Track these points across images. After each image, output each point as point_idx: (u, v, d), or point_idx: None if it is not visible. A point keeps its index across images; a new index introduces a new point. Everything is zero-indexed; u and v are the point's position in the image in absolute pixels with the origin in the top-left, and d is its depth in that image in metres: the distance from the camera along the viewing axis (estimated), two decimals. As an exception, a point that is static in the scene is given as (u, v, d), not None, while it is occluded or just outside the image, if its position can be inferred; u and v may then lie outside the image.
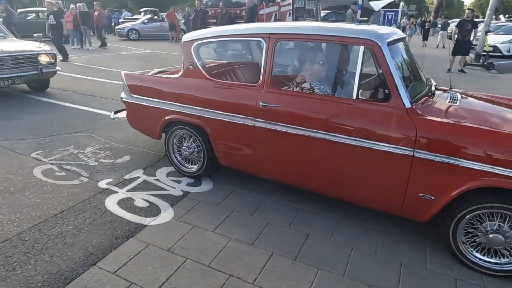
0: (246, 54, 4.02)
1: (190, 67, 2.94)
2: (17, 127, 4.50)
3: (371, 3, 25.31)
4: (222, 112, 2.75)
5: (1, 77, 5.48)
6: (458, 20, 12.36)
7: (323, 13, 17.72)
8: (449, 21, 21.69)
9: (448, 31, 16.37)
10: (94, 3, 15.08)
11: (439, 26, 19.21)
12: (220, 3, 10.38)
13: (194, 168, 3.19)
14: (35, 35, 7.01)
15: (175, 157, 3.28)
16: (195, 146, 3.09)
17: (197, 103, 2.87)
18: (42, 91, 6.49)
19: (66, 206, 2.72)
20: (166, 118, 3.07)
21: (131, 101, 3.33)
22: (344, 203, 2.65)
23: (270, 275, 2.05)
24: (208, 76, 2.89)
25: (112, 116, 3.73)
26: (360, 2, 9.58)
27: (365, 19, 17.79)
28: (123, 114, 3.62)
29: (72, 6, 15.18)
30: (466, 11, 9.89)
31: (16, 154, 3.64)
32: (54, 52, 6.21)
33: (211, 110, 2.80)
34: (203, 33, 3.00)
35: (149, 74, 3.59)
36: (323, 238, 2.40)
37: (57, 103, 5.71)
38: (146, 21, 19.43)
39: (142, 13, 22.79)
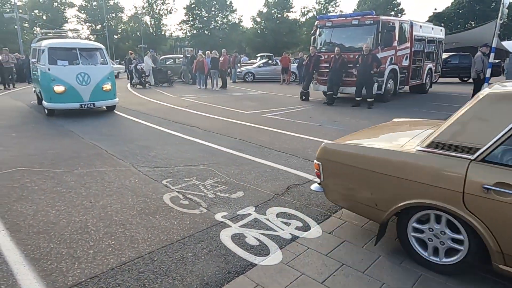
0: None
1: None
2: (155, 156, 5.28)
3: (503, 43, 22.47)
4: None
5: None
6: None
7: (444, 55, 16.47)
8: None
9: None
10: (222, 50, 17.26)
11: None
12: (336, 48, 10.62)
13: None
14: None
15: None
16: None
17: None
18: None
19: (187, 233, 3.01)
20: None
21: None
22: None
23: None
24: None
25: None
26: (493, 44, 8.60)
27: (497, 61, 15.80)
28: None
29: (199, 52, 17.66)
30: None
31: (151, 180, 4.25)
32: None
33: None
34: None
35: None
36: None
37: (184, 137, 6.53)
38: (261, 65, 21.12)
39: (259, 58, 24.87)
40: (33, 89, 11.08)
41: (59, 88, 8.18)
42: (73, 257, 2.63)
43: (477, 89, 9.44)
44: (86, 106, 8.55)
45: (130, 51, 19.36)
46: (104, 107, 9.40)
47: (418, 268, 2.51)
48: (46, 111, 8.70)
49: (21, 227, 3.08)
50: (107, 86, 8.86)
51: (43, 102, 8.60)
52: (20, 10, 39.01)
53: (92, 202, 3.61)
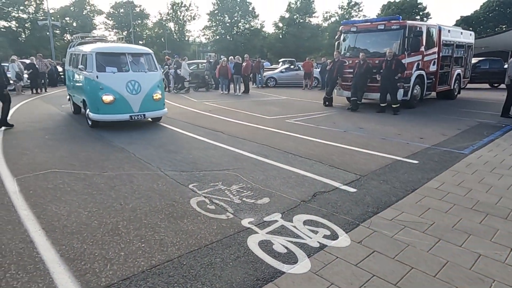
0: None
1: None
2: (181, 160, 5.36)
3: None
4: None
5: None
6: None
7: (473, 60, 15.93)
8: None
9: None
10: (245, 55, 17.45)
11: None
12: (361, 53, 10.49)
13: None
14: None
15: None
16: None
17: None
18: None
19: (215, 238, 3.03)
20: None
21: None
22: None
23: None
24: None
25: None
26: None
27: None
28: None
29: (223, 57, 17.91)
30: None
31: (178, 184, 4.31)
32: None
33: None
34: None
35: None
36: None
37: (209, 142, 6.60)
38: (283, 70, 21.13)
39: (281, 63, 24.90)
40: (67, 96, 10.65)
41: (108, 98, 7.41)
42: (105, 259, 2.69)
43: (510, 96, 9.05)
44: (136, 118, 7.74)
45: (167, 57, 19.91)
46: (149, 119, 8.59)
47: (450, 283, 2.41)
48: (89, 123, 7.96)
49: (56, 227, 3.19)
50: (158, 95, 8.09)
51: (89, 113, 7.82)
52: (52, 18, 40.79)
53: (122, 205, 3.70)
